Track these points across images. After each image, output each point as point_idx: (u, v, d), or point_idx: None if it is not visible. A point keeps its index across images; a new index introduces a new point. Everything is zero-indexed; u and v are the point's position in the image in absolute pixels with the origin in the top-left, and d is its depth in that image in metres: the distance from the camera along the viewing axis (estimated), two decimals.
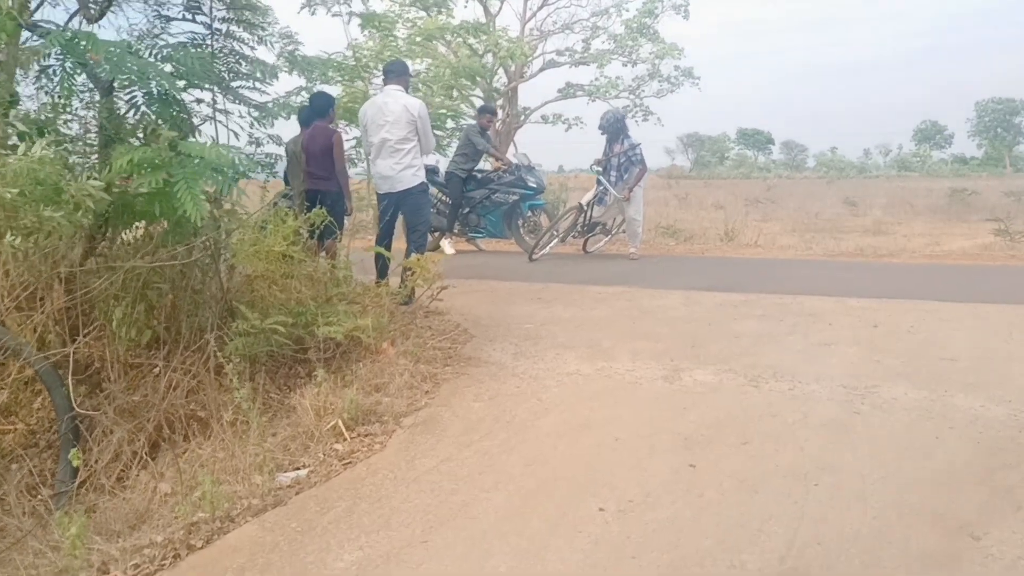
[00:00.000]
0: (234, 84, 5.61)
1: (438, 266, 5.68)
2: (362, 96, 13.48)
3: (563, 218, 10.60)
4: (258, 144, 5.98)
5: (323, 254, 6.85)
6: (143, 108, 4.47)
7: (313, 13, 13.51)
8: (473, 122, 11.59)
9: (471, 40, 27.43)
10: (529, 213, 10.86)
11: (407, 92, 6.75)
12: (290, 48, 12.36)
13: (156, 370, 4.91)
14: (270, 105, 11.44)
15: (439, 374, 4.98)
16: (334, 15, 13.13)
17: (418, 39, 12.95)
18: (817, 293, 7.24)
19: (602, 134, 10.17)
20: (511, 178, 10.86)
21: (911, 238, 17.80)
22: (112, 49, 3.71)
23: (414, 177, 6.59)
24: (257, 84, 5.69)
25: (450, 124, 13.32)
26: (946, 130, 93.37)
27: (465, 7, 28.36)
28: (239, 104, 5.55)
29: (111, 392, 4.70)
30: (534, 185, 10.81)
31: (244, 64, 5.63)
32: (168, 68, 4.33)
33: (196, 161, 3.69)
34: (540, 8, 39.15)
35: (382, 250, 5.92)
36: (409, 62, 14.37)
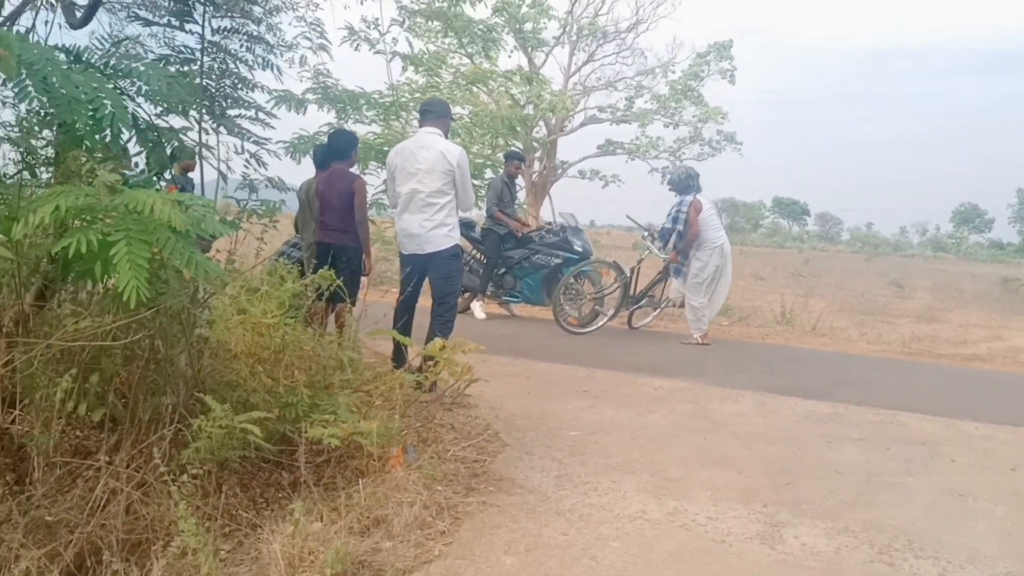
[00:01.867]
0: (232, 112, 4.55)
1: (468, 355, 4.51)
2: (398, 138, 12.50)
3: (609, 292, 9.44)
4: (252, 189, 4.86)
5: (331, 319, 5.75)
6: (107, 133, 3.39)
7: (356, 48, 12.62)
8: (497, 174, 10.52)
9: (514, 90, 26.70)
10: (572, 280, 9.70)
11: (446, 137, 5.68)
12: (321, 80, 11.48)
13: (97, 465, 3.79)
14: (296, 142, 10.54)
15: (460, 505, 3.79)
16: (377, 52, 12.23)
17: (462, 82, 11.99)
18: (917, 409, 6.01)
19: (670, 190, 9.03)
20: (554, 239, 9.74)
21: (967, 328, 16.58)
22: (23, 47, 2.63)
23: (446, 238, 5.48)
24: (262, 115, 4.61)
25: (489, 174, 12.29)
26: (986, 214, 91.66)
27: (509, 57, 27.75)
28: (241, 137, 4.48)
29: (32, 496, 3.57)
30: (580, 249, 9.66)
31: (243, 88, 4.57)
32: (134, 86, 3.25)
33: (144, 217, 2.59)
34: (585, 63, 38.70)
35: (399, 336, 4.72)
36: (451, 106, 13.47)
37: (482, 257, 9.98)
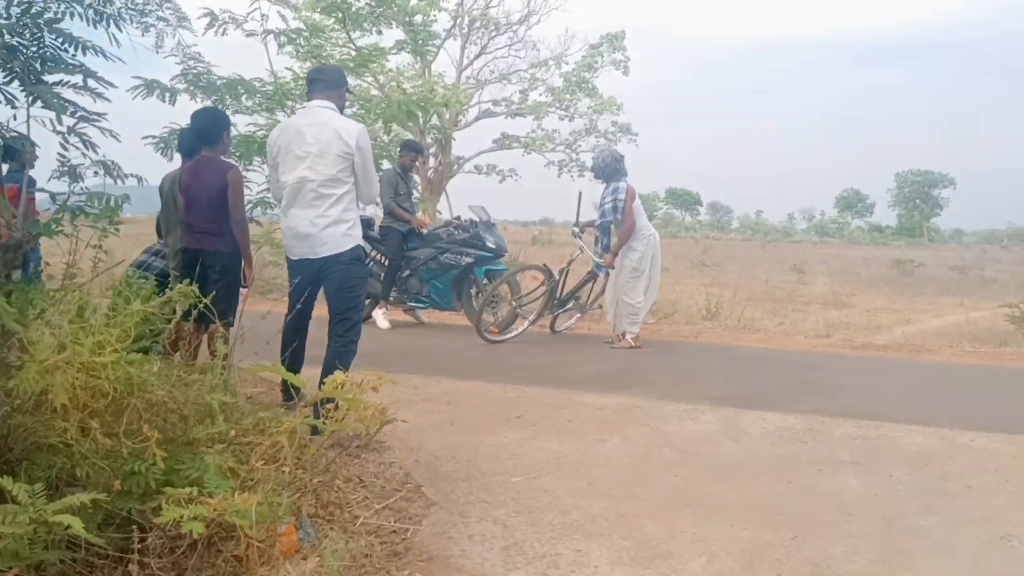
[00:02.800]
0: (50, 78, 3.34)
1: (380, 392, 3.41)
2: None
3: (533, 295, 8.46)
4: (74, 176, 3.60)
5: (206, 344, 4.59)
6: None
7: (223, 33, 11.21)
8: (391, 167, 9.27)
9: (406, 84, 25.47)
10: (485, 281, 8.66)
11: (342, 113, 4.56)
12: (194, 68, 10.13)
13: None
14: (167, 136, 9.21)
15: None
16: (249, 34, 10.87)
17: (350, 65, 10.74)
18: (898, 419, 5.24)
19: (595, 178, 8.03)
20: (464, 236, 8.68)
21: (876, 313, 16.50)
22: None
23: (345, 238, 4.36)
24: (93, 82, 3.40)
25: (386, 166, 11.13)
26: (868, 199, 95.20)
27: (397, 54, 26.62)
28: (58, 110, 3.26)
29: None
30: (493, 246, 8.63)
31: (69, 47, 3.37)
32: None
33: None
34: (477, 57, 37.78)
35: (287, 375, 3.55)
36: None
37: (383, 259, 8.84)
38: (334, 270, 4.34)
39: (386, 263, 8.73)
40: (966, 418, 5.28)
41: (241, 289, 4.97)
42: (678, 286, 19.79)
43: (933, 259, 38.61)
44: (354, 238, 4.38)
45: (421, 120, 16.37)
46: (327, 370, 4.22)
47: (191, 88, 10.59)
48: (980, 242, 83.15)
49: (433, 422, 4.84)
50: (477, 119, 36.97)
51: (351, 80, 13.38)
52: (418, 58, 33.92)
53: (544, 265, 8.56)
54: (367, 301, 8.91)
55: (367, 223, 8.90)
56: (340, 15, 11.25)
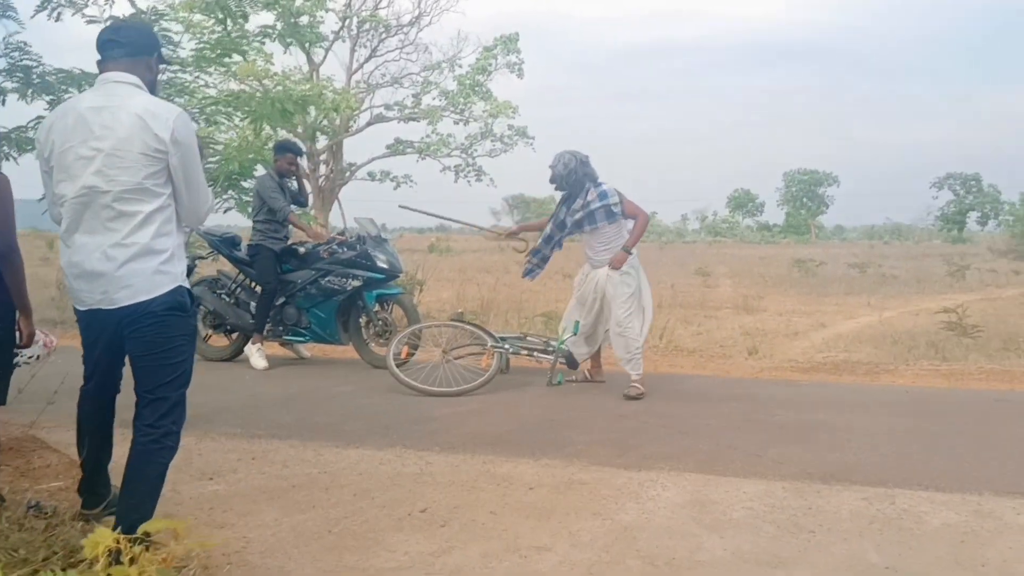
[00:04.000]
0: None
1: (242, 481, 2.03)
2: None
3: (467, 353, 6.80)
4: None
5: None
6: None
7: (57, 18, 9.44)
8: (267, 171, 7.69)
9: (293, 89, 23.76)
10: (376, 307, 7.24)
11: (154, 92, 3.12)
12: (19, 61, 8.43)
13: None
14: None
15: None
16: (90, 21, 9.16)
17: (209, 54, 9.10)
18: (906, 480, 4.14)
19: (557, 190, 6.60)
20: (350, 255, 7.22)
21: (789, 317, 15.73)
22: None
23: (158, 277, 2.90)
24: None
25: (260, 172, 9.57)
26: (758, 198, 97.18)
27: (285, 53, 24.95)
28: None
29: None
30: (384, 266, 7.17)
31: None
32: None
33: None
34: (368, 60, 36.19)
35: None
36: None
37: (253, 285, 7.34)
38: (141, 326, 2.88)
39: (258, 289, 7.22)
40: (989, 477, 4.22)
41: (19, 353, 3.47)
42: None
43: (827, 256, 38.86)
44: (173, 276, 2.94)
45: (300, 119, 14.76)
46: (130, 482, 2.82)
47: (21, 87, 8.87)
48: (862, 238, 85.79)
49: (305, 532, 3.43)
50: (369, 124, 35.45)
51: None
52: (305, 57, 32.25)
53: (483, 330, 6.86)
54: (234, 335, 7.41)
55: (231, 242, 7.40)
56: (220, 15, 9.69)
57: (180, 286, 2.96)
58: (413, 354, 6.79)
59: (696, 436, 5.07)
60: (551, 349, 6.62)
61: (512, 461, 4.44)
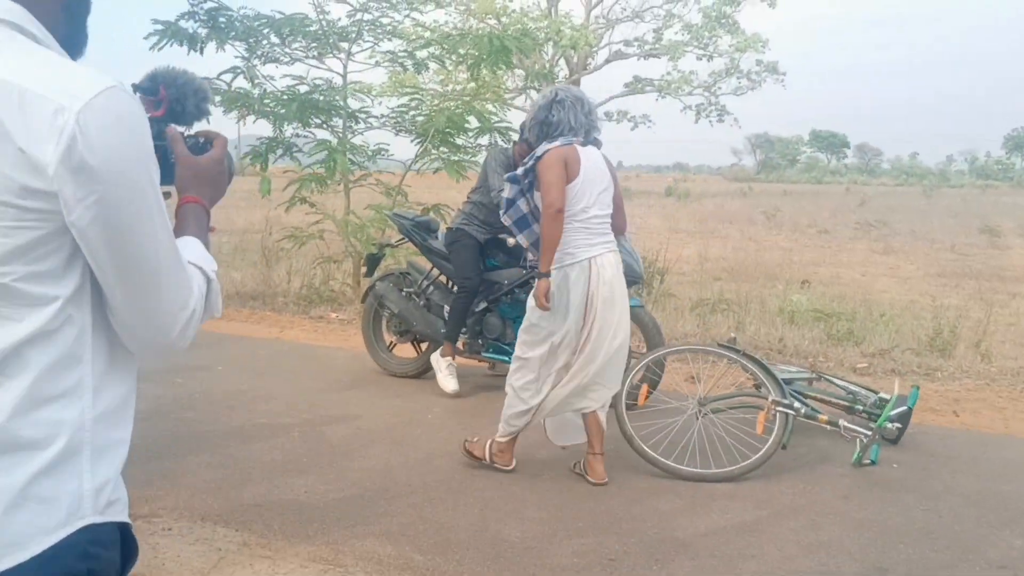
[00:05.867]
0: None
1: None
2: (333, 90, 8.28)
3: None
4: None
5: None
6: None
7: None
8: (506, 146, 6.30)
9: (531, 26, 22.27)
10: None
11: (75, 44, 1.20)
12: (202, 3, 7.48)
13: None
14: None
15: None
16: None
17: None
18: None
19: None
20: None
21: None
22: None
23: (30, 513, 1.03)
24: None
25: (475, 125, 8.08)
26: None
27: None
28: None
29: None
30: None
31: None
32: None
33: None
34: None
35: None
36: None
37: (449, 283, 5.82)
38: None
39: (455, 288, 5.69)
40: None
41: None
42: (844, 255, 16.09)
43: None
44: (72, 504, 1.07)
45: (523, 59, 13.19)
46: None
47: (208, 32, 7.94)
48: None
49: None
50: (607, 62, 33.63)
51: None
52: None
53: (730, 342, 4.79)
54: (423, 344, 6.00)
55: (424, 225, 5.94)
56: None
57: (92, 524, 1.10)
58: (653, 392, 4.87)
59: None
60: (863, 410, 4.59)
61: None
